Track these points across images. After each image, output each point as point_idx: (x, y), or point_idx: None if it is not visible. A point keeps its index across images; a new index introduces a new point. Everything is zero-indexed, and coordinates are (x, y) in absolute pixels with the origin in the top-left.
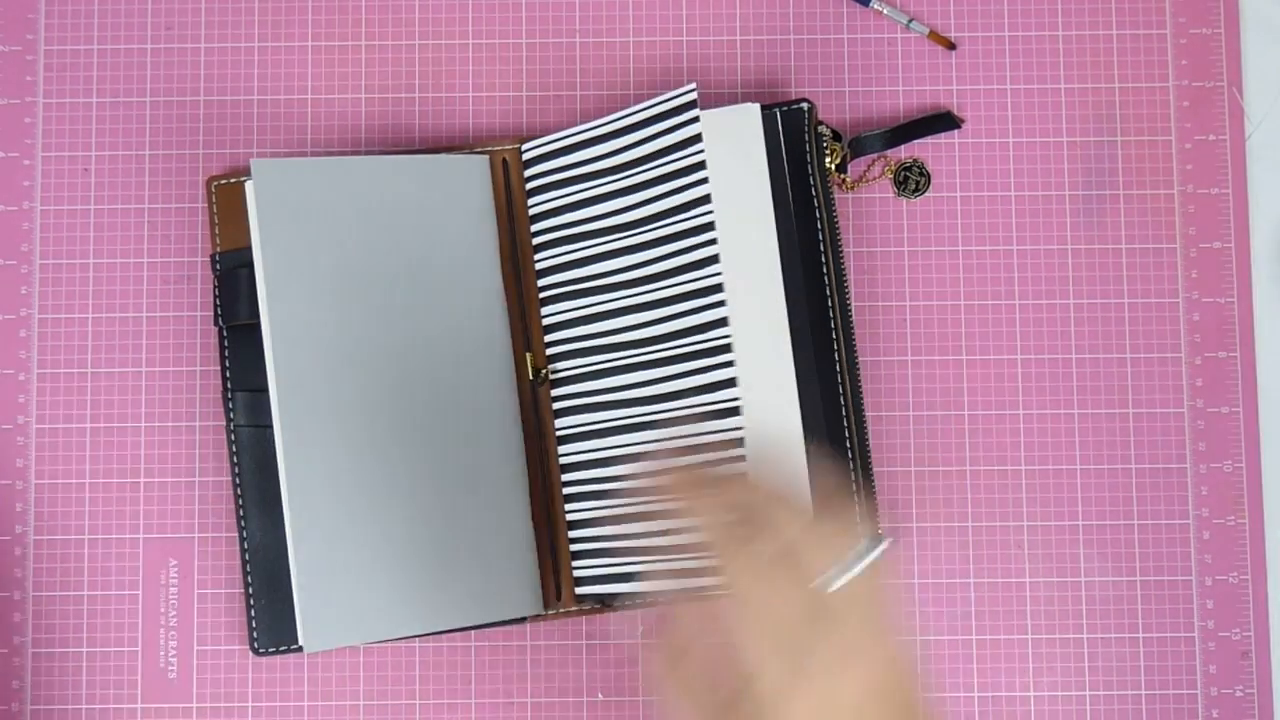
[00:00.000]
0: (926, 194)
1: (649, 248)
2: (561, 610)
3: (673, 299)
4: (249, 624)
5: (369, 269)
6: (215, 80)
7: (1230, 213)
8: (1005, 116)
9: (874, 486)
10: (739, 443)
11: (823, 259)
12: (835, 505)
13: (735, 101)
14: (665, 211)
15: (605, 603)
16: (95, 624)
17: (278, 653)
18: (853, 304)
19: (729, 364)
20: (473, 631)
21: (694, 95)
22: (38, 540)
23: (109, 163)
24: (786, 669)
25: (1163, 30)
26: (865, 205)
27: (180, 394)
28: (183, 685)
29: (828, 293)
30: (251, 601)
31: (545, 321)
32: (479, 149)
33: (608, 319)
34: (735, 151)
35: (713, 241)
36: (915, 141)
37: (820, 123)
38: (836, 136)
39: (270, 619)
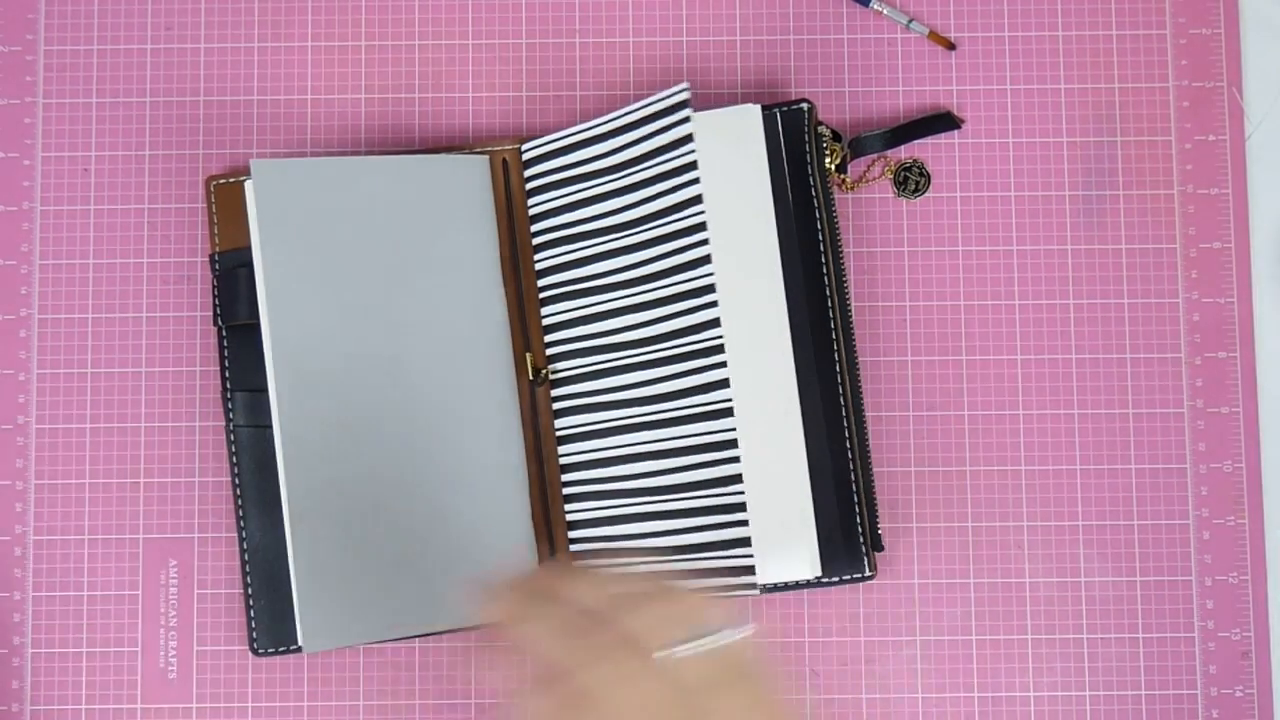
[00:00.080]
0: (926, 194)
1: (645, 248)
2: None
3: (668, 299)
4: (249, 624)
5: (368, 269)
6: (215, 80)
7: (1230, 213)
8: (1005, 116)
9: (874, 486)
10: (733, 443)
11: (823, 259)
12: (677, 588)
13: (735, 101)
14: (660, 211)
15: None
16: (95, 624)
17: (277, 653)
18: (853, 304)
19: (722, 364)
20: (472, 632)
21: (686, 95)
22: (38, 540)
23: (109, 163)
24: None
25: (1163, 30)
26: (865, 205)
27: (180, 394)
28: (183, 685)
29: (828, 293)
30: (251, 602)
31: (545, 321)
32: (479, 149)
33: (607, 319)
34: (736, 152)
35: (705, 242)
36: (915, 141)
37: (820, 123)
38: (836, 136)
39: (270, 619)
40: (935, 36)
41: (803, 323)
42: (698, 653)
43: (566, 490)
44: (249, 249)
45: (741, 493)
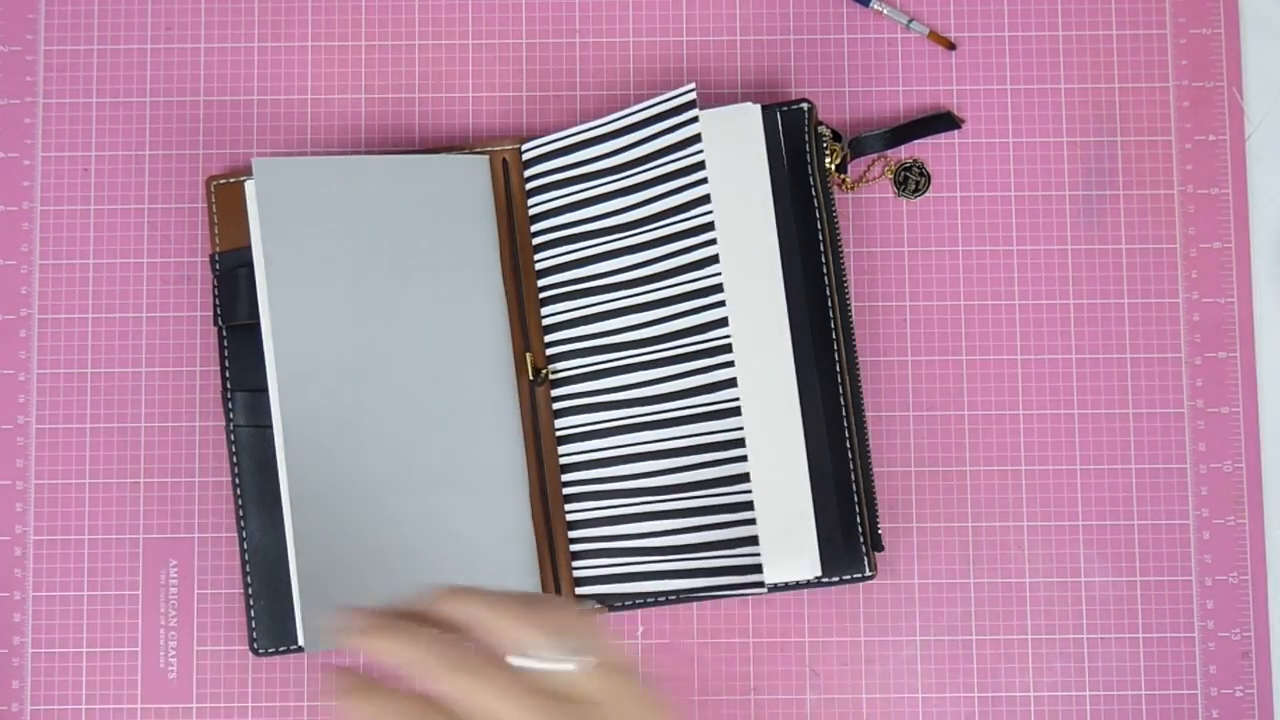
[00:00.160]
0: (926, 194)
1: (649, 248)
2: None
3: (673, 299)
4: (249, 624)
5: (369, 269)
6: (215, 80)
7: (1230, 213)
8: (1005, 116)
9: (874, 486)
10: (739, 443)
11: (823, 259)
12: (551, 601)
13: (735, 101)
14: (665, 211)
15: (605, 603)
16: (95, 624)
17: (278, 653)
18: (853, 304)
19: (729, 364)
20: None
21: (693, 95)
22: (38, 540)
23: (109, 163)
24: None
25: (1163, 30)
26: (865, 205)
27: (180, 394)
28: (183, 685)
29: (828, 293)
30: (251, 602)
31: (545, 321)
32: (479, 149)
33: (608, 319)
34: (735, 152)
35: (712, 242)
36: (915, 141)
37: (820, 123)
38: (836, 136)
39: (270, 619)
40: (935, 36)
41: (803, 323)
42: (543, 669)
43: (566, 490)
44: (249, 249)
45: (748, 491)
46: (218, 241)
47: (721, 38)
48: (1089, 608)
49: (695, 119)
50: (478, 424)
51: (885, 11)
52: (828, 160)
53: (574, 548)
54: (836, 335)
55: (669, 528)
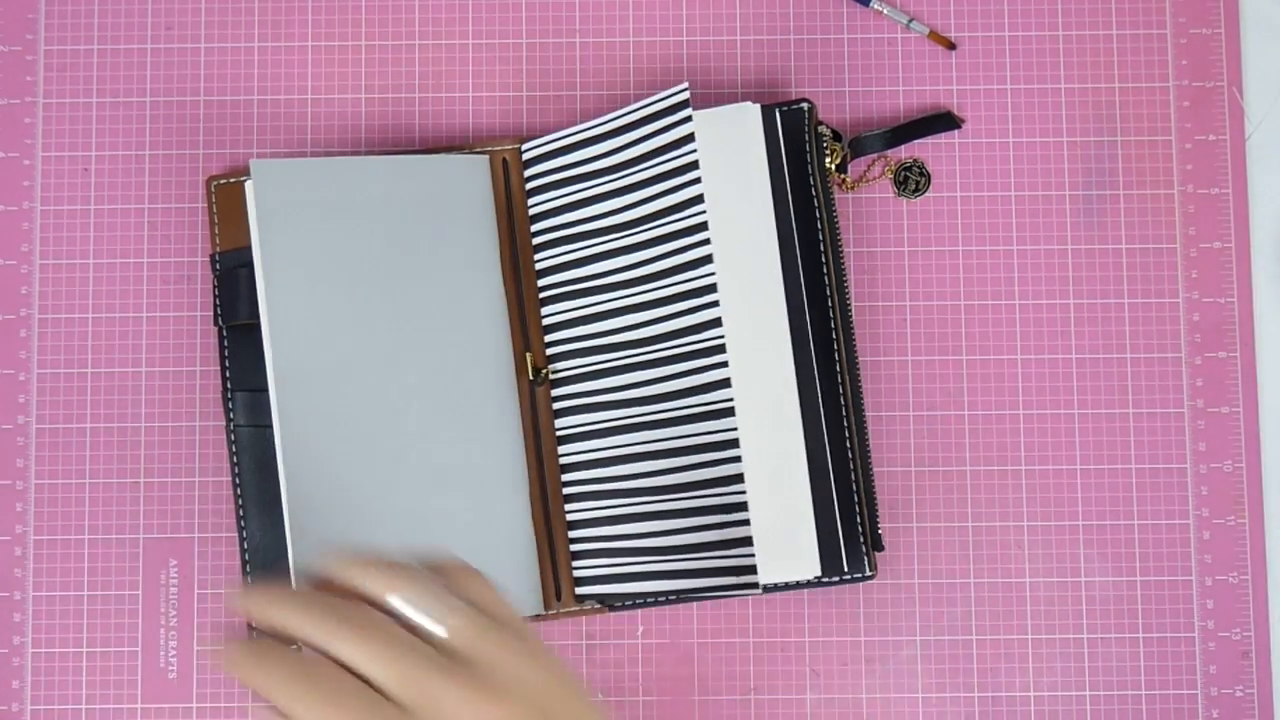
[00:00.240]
0: (926, 194)
1: (645, 247)
2: (562, 610)
3: (669, 299)
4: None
5: (369, 269)
6: (215, 80)
7: (1230, 213)
8: (1005, 116)
9: (874, 486)
10: (735, 443)
11: (823, 259)
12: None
13: (735, 101)
14: (660, 211)
15: (605, 603)
16: (95, 624)
17: None
18: (853, 304)
19: (723, 364)
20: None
21: (686, 95)
22: (38, 540)
23: (109, 163)
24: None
25: (1163, 30)
26: (865, 205)
27: (180, 394)
28: (183, 685)
29: (828, 293)
30: None
31: (545, 321)
32: (479, 149)
33: (607, 319)
34: (735, 151)
35: (706, 241)
36: (915, 141)
37: (820, 123)
38: (836, 136)
39: None
40: (935, 36)
41: (803, 323)
42: (413, 619)
43: (566, 490)
44: (249, 249)
45: (743, 492)
46: (218, 241)
47: (721, 38)
48: (1089, 608)
49: (689, 118)
50: (478, 424)
51: (885, 11)
52: (828, 160)
53: (574, 548)
54: (837, 335)
55: (667, 528)
